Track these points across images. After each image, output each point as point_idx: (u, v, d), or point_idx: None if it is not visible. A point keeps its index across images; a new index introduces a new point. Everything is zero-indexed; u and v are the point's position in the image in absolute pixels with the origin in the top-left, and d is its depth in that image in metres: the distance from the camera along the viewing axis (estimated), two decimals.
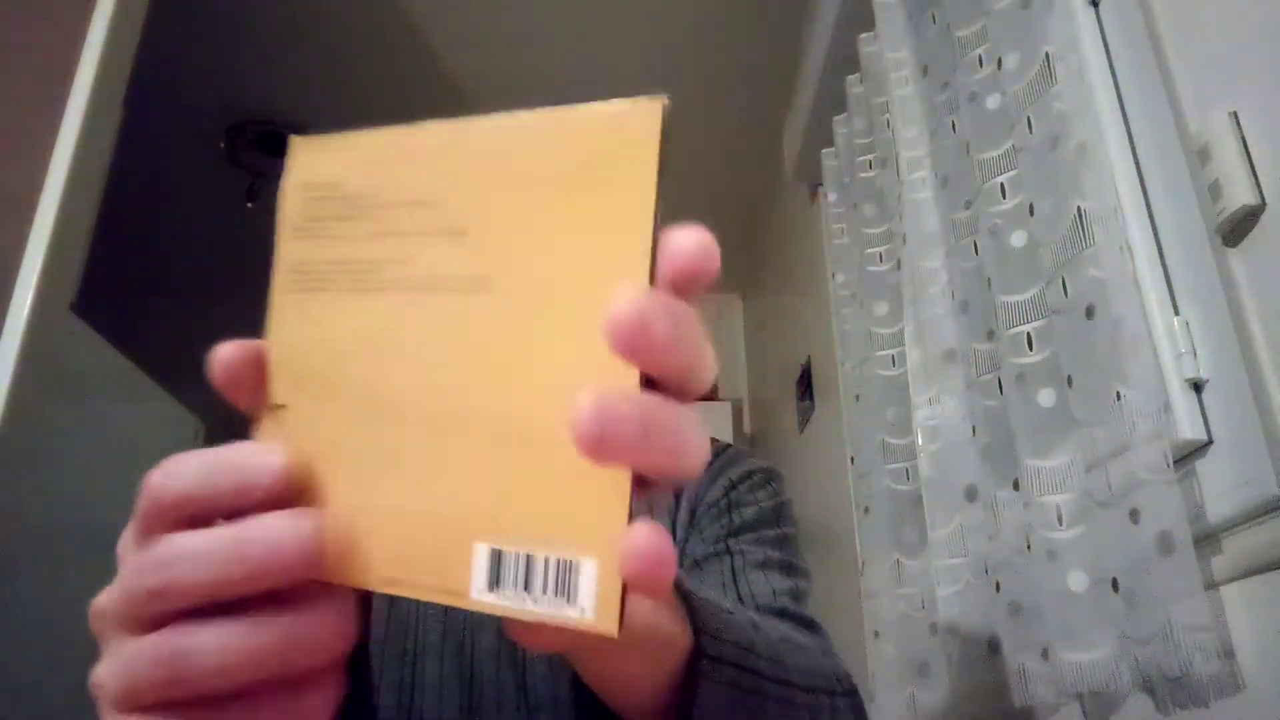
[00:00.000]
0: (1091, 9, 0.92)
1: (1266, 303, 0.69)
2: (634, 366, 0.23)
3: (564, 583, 0.23)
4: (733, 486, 0.67)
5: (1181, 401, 0.74)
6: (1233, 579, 0.70)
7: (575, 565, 0.23)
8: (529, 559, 0.24)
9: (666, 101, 0.25)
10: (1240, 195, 0.69)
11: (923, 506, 1.11)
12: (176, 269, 2.99)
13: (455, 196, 0.26)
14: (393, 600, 0.61)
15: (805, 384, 2.12)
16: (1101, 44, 0.90)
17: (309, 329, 0.28)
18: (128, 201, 1.97)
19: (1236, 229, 0.71)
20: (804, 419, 2.14)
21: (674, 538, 0.65)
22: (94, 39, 1.36)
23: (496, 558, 0.24)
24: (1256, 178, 0.69)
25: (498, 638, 0.60)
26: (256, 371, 0.28)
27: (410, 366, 0.26)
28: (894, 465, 1.29)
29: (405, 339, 0.26)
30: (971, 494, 1.05)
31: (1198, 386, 0.74)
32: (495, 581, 0.24)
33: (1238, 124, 0.71)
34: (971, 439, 1.06)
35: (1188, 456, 0.75)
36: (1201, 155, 0.74)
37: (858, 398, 1.43)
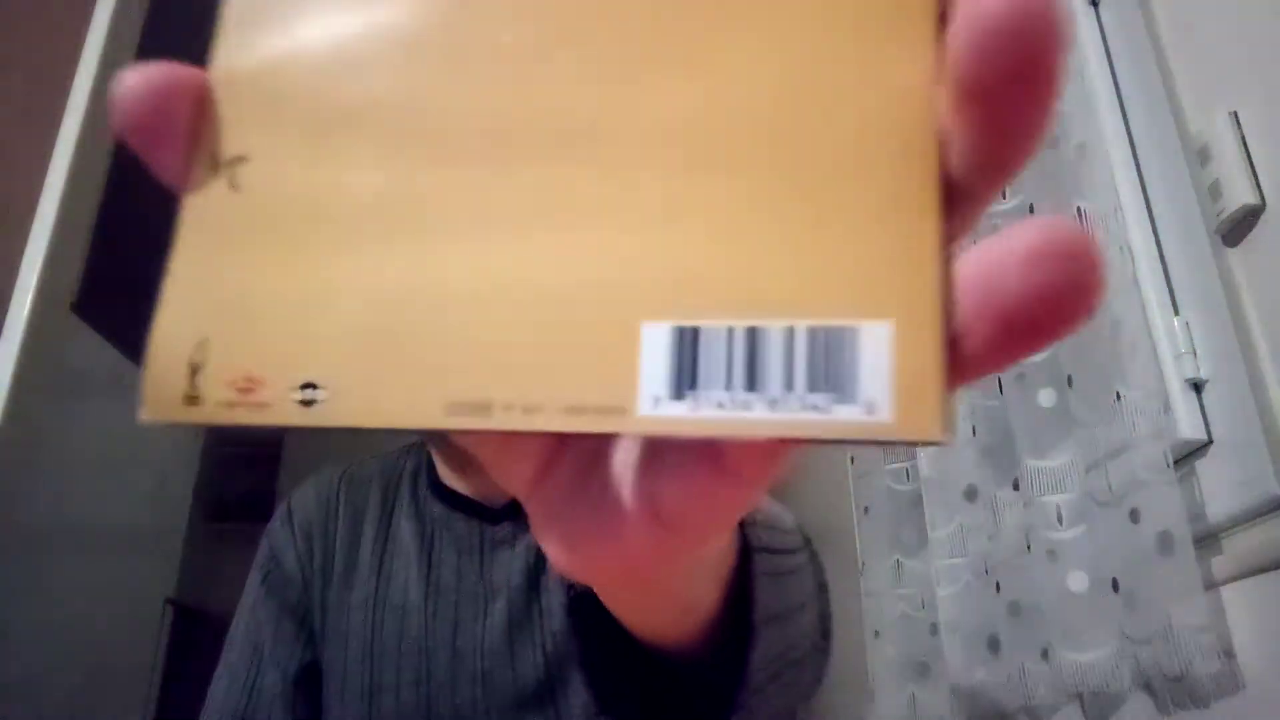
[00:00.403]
0: (1091, 9, 0.92)
1: (1266, 303, 0.69)
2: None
3: (828, 365, 0.14)
4: None
5: (1181, 401, 0.74)
6: (1233, 579, 0.71)
7: (851, 335, 0.14)
8: (754, 334, 0.14)
9: None
10: (1240, 195, 0.69)
11: (923, 506, 1.11)
12: None
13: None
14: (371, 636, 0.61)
15: None
16: (1101, 44, 0.90)
17: (296, 36, 0.18)
18: (127, 202, 1.98)
19: (1236, 229, 0.71)
20: None
21: None
22: (94, 40, 1.36)
23: (688, 340, 0.14)
24: (1256, 178, 0.69)
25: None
26: (187, 107, 0.18)
27: (495, 79, 0.16)
28: (894, 465, 1.30)
29: (487, 37, 0.17)
30: (971, 494, 1.05)
31: (1198, 386, 0.74)
32: (687, 380, 0.14)
33: (1238, 124, 0.71)
34: (971, 439, 1.06)
35: (1188, 456, 0.75)
36: (1201, 155, 0.74)
37: None
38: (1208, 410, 0.74)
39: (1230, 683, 0.69)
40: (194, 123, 0.18)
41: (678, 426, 0.14)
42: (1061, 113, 0.89)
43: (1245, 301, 0.71)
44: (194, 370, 0.17)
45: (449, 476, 0.68)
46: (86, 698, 1.63)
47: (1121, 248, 0.79)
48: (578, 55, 0.16)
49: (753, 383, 0.14)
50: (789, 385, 0.14)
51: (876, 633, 1.27)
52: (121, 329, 1.72)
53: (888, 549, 1.27)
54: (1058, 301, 0.13)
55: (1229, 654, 0.69)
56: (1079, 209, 0.84)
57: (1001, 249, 0.13)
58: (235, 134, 0.18)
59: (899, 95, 0.14)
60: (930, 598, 1.13)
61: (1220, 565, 0.71)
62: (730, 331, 0.14)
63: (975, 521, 1.03)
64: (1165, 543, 0.70)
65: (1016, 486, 0.95)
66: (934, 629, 1.11)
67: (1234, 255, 0.72)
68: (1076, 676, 0.78)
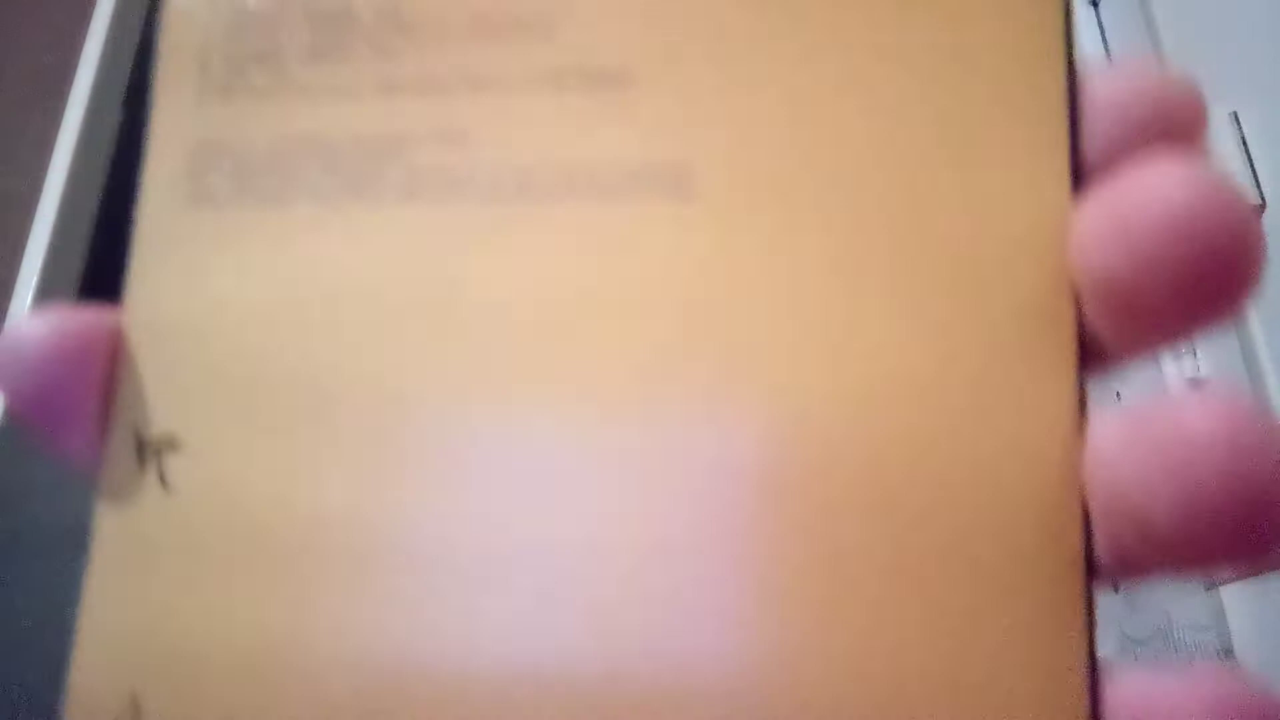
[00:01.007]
0: (1091, 9, 0.92)
1: (1266, 303, 0.69)
2: (1072, 349, 0.11)
3: None
4: None
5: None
6: (1233, 579, 0.70)
7: None
8: None
9: None
10: None
11: None
12: None
13: (600, 4, 0.13)
14: None
15: None
16: (1102, 44, 0.90)
17: (237, 282, 0.14)
18: (128, 201, 1.97)
19: None
20: None
21: None
22: (94, 40, 1.36)
23: None
24: (1256, 178, 0.69)
25: None
26: (100, 372, 0.14)
27: (501, 357, 0.12)
28: None
29: (488, 299, 0.13)
30: None
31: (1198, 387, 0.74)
32: None
33: (1238, 124, 0.71)
34: None
35: None
36: None
37: None
38: None
39: None
40: (109, 387, 0.13)
41: None
42: None
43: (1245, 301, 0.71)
44: None
45: None
46: None
47: None
48: (613, 339, 0.12)
49: None
50: None
51: None
52: None
53: None
54: None
55: (1229, 654, 0.69)
56: None
57: (1167, 703, 0.10)
58: (162, 408, 0.13)
59: (1041, 456, 0.11)
60: None
61: None
62: None
63: None
64: None
65: None
66: None
67: None
68: None
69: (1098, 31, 0.90)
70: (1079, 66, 0.12)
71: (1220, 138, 0.72)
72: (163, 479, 0.13)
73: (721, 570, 0.11)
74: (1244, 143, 0.70)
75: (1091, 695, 0.11)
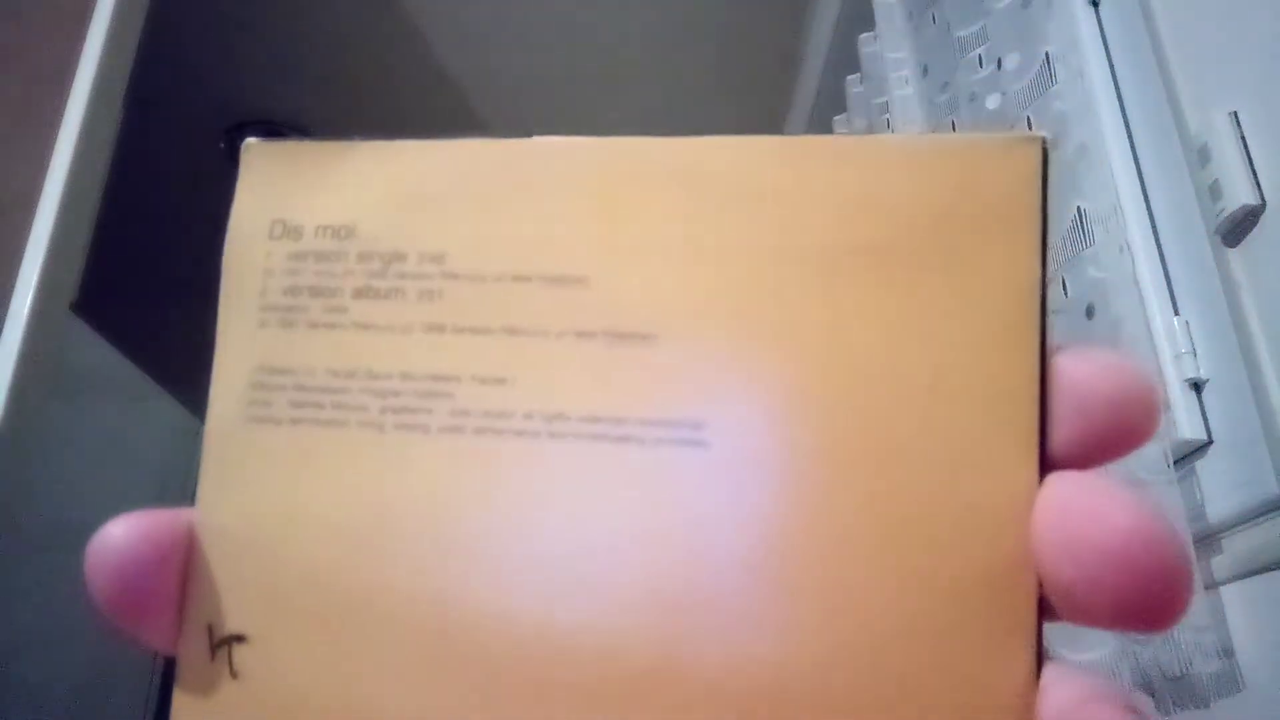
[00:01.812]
0: (1091, 9, 0.92)
1: (1266, 303, 0.69)
2: (1034, 586, 0.14)
3: None
4: None
5: (1181, 401, 0.74)
6: (1233, 579, 0.70)
7: None
8: None
9: (1046, 138, 0.16)
10: (1240, 195, 0.69)
11: None
12: (176, 269, 2.98)
13: (626, 269, 0.15)
14: None
15: None
16: (1101, 44, 0.90)
17: (296, 497, 0.15)
18: (128, 201, 1.98)
19: (1236, 229, 0.71)
20: None
21: None
22: (94, 40, 1.36)
23: None
24: (1256, 178, 0.69)
25: None
26: (177, 572, 0.15)
27: (537, 582, 0.14)
28: None
29: (525, 528, 0.14)
30: None
31: (1198, 386, 0.74)
32: None
33: (1238, 124, 0.71)
34: None
35: (1188, 456, 0.75)
36: (1201, 155, 0.74)
37: None
38: (1208, 410, 0.74)
39: (1230, 683, 0.69)
40: (184, 585, 0.15)
41: None
42: (1061, 113, 0.89)
43: (1245, 301, 0.71)
44: None
45: None
46: (87, 698, 1.63)
47: (1121, 248, 0.79)
48: (637, 574, 0.14)
49: None
50: None
51: None
52: (121, 329, 1.72)
53: None
54: None
55: (1229, 654, 0.69)
56: (1079, 209, 0.84)
57: None
58: (231, 606, 0.15)
59: (999, 707, 0.13)
60: None
61: (1220, 565, 0.71)
62: None
63: None
64: None
65: None
66: None
67: (1234, 255, 0.72)
68: None
69: (1098, 31, 0.90)
70: (1050, 348, 0.14)
71: (1220, 138, 0.72)
72: (232, 669, 0.15)
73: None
74: (1244, 143, 0.71)
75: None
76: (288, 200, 0.17)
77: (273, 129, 2.34)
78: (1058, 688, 0.14)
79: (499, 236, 0.15)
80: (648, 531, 0.14)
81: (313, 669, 0.14)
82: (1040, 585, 0.14)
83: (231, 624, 0.15)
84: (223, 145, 2.43)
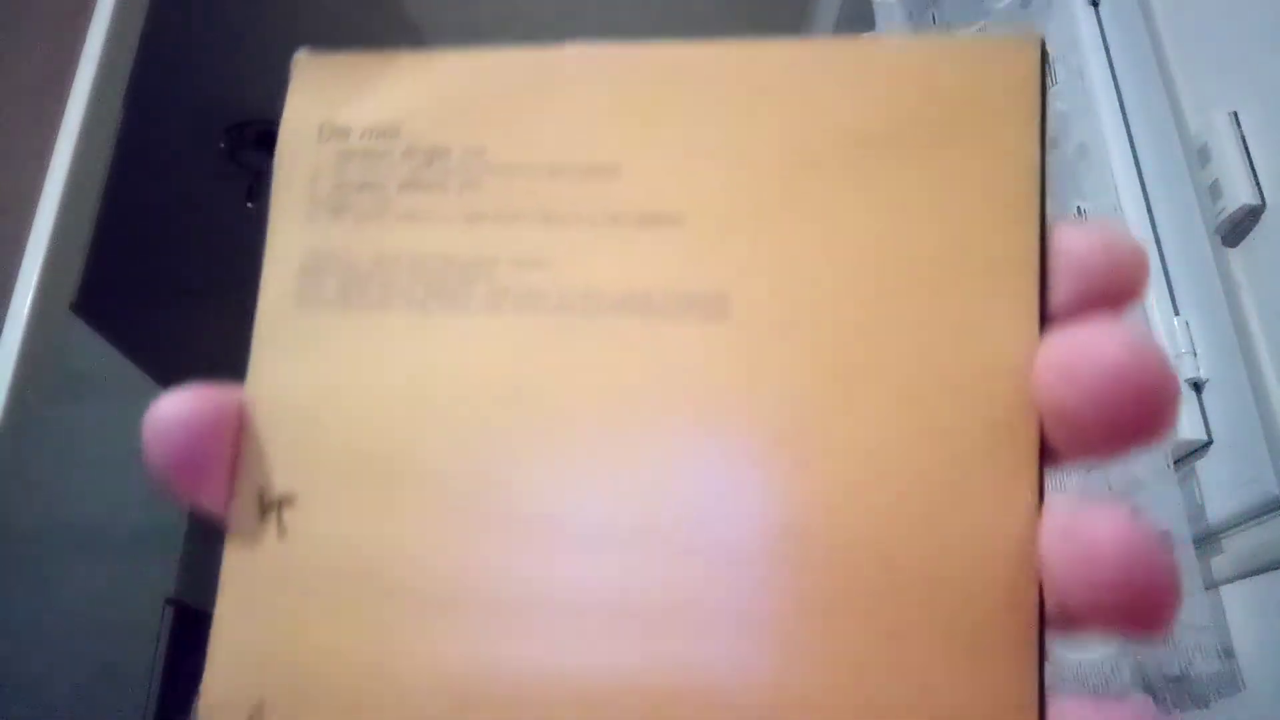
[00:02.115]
0: (1091, 9, 0.92)
1: (1266, 303, 0.69)
2: (1035, 438, 0.14)
3: None
4: None
5: (1181, 401, 0.74)
6: (1233, 579, 0.71)
7: None
8: None
9: (1044, 39, 0.16)
10: (1240, 195, 0.69)
11: None
12: (176, 269, 2.99)
13: (655, 157, 0.16)
14: None
15: None
16: (1101, 44, 0.90)
17: (343, 372, 0.16)
18: (128, 201, 1.97)
19: (1236, 229, 0.71)
20: None
21: None
22: (94, 40, 1.36)
23: None
24: (1256, 178, 0.69)
25: None
26: (229, 441, 0.17)
27: (569, 444, 0.15)
28: None
29: (558, 395, 0.15)
30: None
31: (1198, 386, 0.74)
32: None
33: (1238, 124, 0.71)
34: None
35: (1188, 456, 0.75)
36: (1201, 155, 0.74)
37: None
38: (1208, 410, 0.74)
39: (1230, 683, 0.69)
40: (236, 455, 0.17)
41: None
42: (1061, 113, 0.89)
43: (1245, 301, 0.71)
44: None
45: None
46: (87, 698, 1.63)
47: None
48: (665, 437, 0.15)
49: None
50: None
51: None
52: (121, 329, 1.72)
53: None
54: None
55: (1229, 654, 0.69)
56: (1079, 209, 0.84)
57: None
58: (280, 472, 0.16)
59: (1003, 538, 0.14)
60: None
61: (1220, 565, 0.71)
62: None
63: None
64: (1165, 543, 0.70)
65: None
66: None
67: (1234, 255, 0.72)
68: (1076, 676, 0.78)
69: (1098, 31, 0.90)
70: (1049, 223, 0.15)
71: (1220, 138, 0.72)
72: (280, 528, 0.16)
73: (751, 611, 0.14)
74: (1244, 143, 0.71)
75: (1041, 712, 0.14)
76: (336, 105, 0.18)
77: (273, 129, 2.33)
78: (1056, 513, 0.15)
79: (536, 132, 0.17)
80: (672, 396, 0.15)
81: (355, 527, 0.16)
82: (1043, 430, 0.14)
83: (280, 488, 0.16)
84: (223, 145, 2.43)
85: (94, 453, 1.69)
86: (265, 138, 2.38)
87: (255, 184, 2.50)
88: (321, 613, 0.16)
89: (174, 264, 3.00)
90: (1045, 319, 0.15)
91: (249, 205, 2.53)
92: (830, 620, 0.14)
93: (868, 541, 0.14)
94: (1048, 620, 0.14)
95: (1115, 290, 0.15)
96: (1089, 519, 0.14)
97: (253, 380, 0.17)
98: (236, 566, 0.16)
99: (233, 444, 0.17)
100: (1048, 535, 0.14)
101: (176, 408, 0.17)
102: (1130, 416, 0.14)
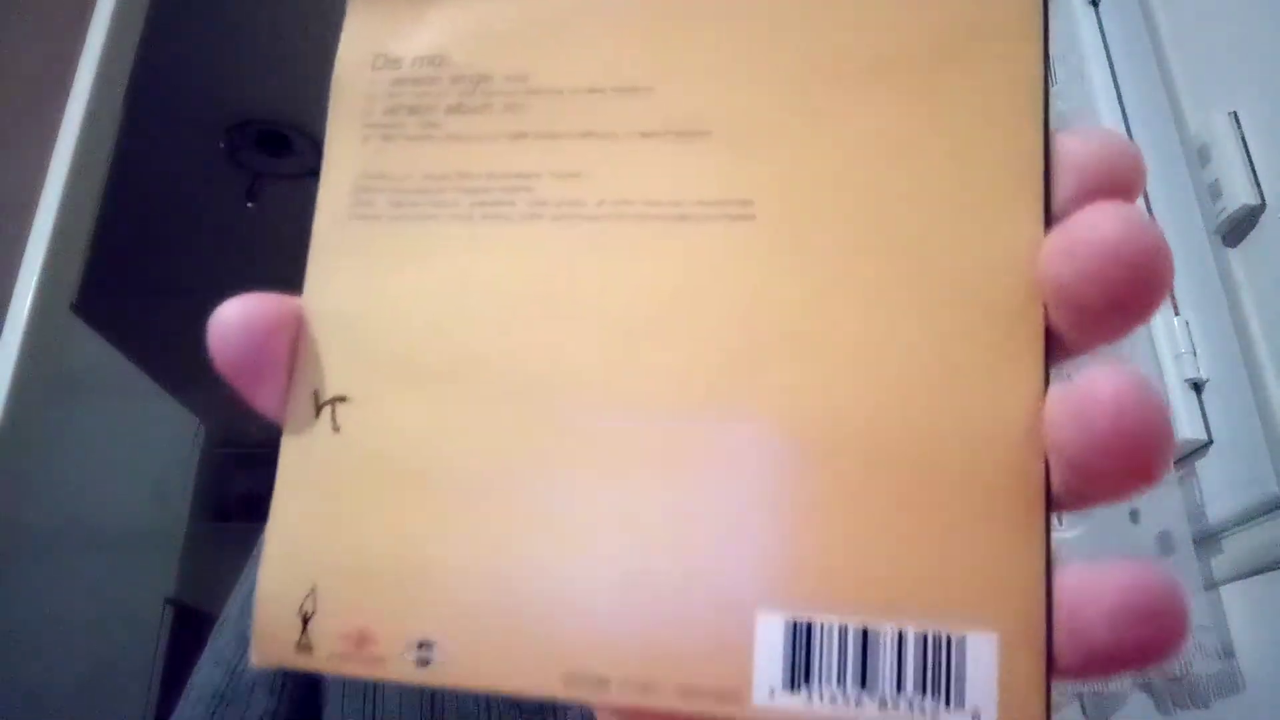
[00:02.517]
0: (1091, 9, 0.92)
1: (1266, 303, 0.69)
2: (1039, 343, 0.15)
3: (937, 671, 0.14)
4: None
5: (1181, 401, 0.74)
6: (1233, 579, 0.71)
7: (960, 643, 0.15)
8: (865, 635, 0.15)
9: None
10: (1240, 195, 0.69)
11: None
12: (176, 269, 2.99)
13: (686, 78, 0.17)
14: None
15: None
16: (1101, 44, 0.90)
17: (394, 279, 0.18)
18: (128, 201, 1.98)
19: (1236, 229, 0.71)
20: None
21: None
22: (94, 39, 1.36)
23: (802, 635, 0.15)
24: (1256, 178, 0.69)
25: None
26: (286, 344, 0.18)
27: (604, 340, 0.16)
28: None
29: (594, 295, 0.17)
30: None
31: (1198, 386, 0.74)
32: (801, 674, 0.15)
33: (1238, 124, 0.71)
34: None
35: (1188, 456, 0.75)
36: (1201, 155, 0.74)
37: None
38: (1208, 410, 0.74)
39: (1230, 683, 0.69)
40: (293, 357, 0.18)
41: (793, 718, 0.15)
42: (1061, 112, 0.89)
43: (1245, 301, 0.71)
44: (305, 619, 0.17)
45: None
46: (86, 698, 1.63)
47: None
48: (691, 330, 0.16)
49: (865, 681, 0.15)
50: (899, 687, 0.14)
51: None
52: (121, 329, 1.72)
53: None
54: (1142, 651, 0.14)
55: (1229, 654, 0.69)
56: None
57: (1094, 587, 0.15)
58: (334, 373, 0.18)
59: (1009, 416, 0.15)
60: None
61: (1220, 565, 0.71)
62: (844, 630, 0.15)
63: None
64: (1165, 543, 0.70)
65: None
66: None
67: (1234, 255, 0.72)
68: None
69: (1098, 31, 0.90)
70: (1052, 129, 0.16)
71: (1220, 138, 0.72)
72: (334, 424, 0.17)
73: (771, 494, 0.15)
74: (1244, 143, 0.71)
75: (1047, 582, 0.15)
76: (388, 36, 0.19)
77: (273, 129, 2.34)
78: (1059, 385, 0.15)
79: (575, 57, 0.18)
80: (702, 294, 0.16)
81: (406, 421, 0.17)
82: (1049, 317, 0.15)
83: (334, 388, 0.17)
84: (223, 145, 2.43)
85: (94, 453, 1.69)
86: (265, 138, 2.38)
87: (255, 184, 2.50)
88: (373, 501, 0.17)
89: (174, 264, 3.00)
90: (1050, 220, 0.16)
91: (249, 205, 2.53)
92: (846, 500, 0.15)
93: (878, 427, 0.15)
94: (1054, 496, 0.15)
95: (1112, 186, 0.15)
96: (1087, 375, 0.15)
97: (309, 288, 0.18)
98: (291, 462, 0.18)
99: (290, 347, 0.18)
100: (1049, 403, 0.15)
101: (238, 311, 0.18)
102: (1127, 289, 0.14)
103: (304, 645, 0.16)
